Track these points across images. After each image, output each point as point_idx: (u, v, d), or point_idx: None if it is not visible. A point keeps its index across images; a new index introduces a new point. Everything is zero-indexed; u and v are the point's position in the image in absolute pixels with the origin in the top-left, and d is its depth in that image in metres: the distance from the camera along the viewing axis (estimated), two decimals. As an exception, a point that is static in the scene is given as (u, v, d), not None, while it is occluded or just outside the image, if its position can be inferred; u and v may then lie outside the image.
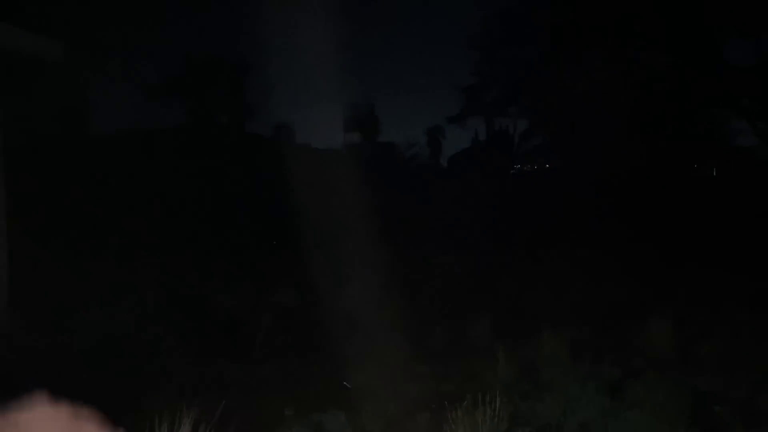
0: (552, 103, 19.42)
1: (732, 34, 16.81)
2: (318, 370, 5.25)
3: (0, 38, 6.27)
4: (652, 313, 5.75)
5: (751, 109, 17.32)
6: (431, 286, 8.09)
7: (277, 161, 19.30)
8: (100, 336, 5.55)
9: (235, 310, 6.59)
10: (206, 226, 13.36)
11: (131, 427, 3.50)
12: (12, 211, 6.52)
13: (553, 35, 17.72)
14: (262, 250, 10.57)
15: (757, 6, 14.96)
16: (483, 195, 19.83)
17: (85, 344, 5.44)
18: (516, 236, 12.08)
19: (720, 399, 4.38)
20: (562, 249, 9.88)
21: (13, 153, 6.88)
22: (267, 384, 4.95)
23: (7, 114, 6.35)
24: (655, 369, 4.82)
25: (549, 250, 10.10)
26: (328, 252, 10.28)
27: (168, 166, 18.18)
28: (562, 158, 24.00)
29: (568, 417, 4.08)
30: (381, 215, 14.94)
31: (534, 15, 18.12)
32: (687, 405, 4.15)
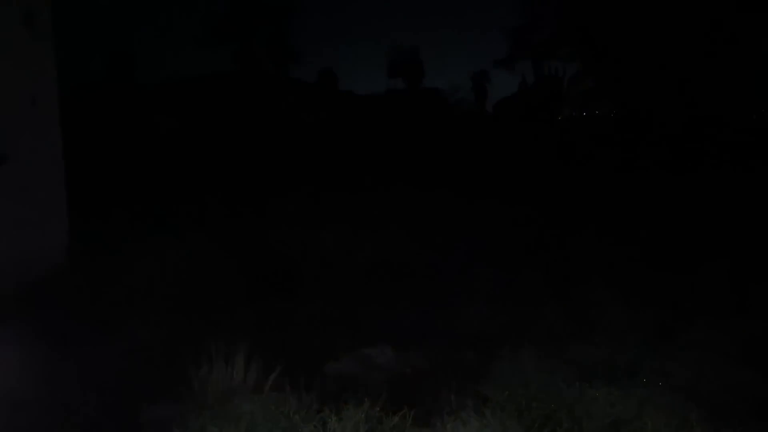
0: (604, 45, 18.62)
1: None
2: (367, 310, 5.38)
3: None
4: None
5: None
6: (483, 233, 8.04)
7: (318, 107, 19.40)
8: (156, 275, 5.80)
9: (288, 250, 6.72)
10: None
11: (194, 361, 3.70)
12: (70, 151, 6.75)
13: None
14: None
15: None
16: (528, 142, 19.44)
17: (142, 283, 5.68)
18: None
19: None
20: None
21: (68, 95, 7.04)
22: (318, 321, 5.11)
23: (59, 59, 6.52)
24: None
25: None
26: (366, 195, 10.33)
27: (213, 111, 18.44)
28: (614, 104, 23.17)
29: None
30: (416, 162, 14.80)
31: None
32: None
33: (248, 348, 3.70)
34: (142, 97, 19.93)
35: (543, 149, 17.76)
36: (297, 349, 4.29)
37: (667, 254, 7.00)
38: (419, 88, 31.68)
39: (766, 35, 16.65)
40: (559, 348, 4.32)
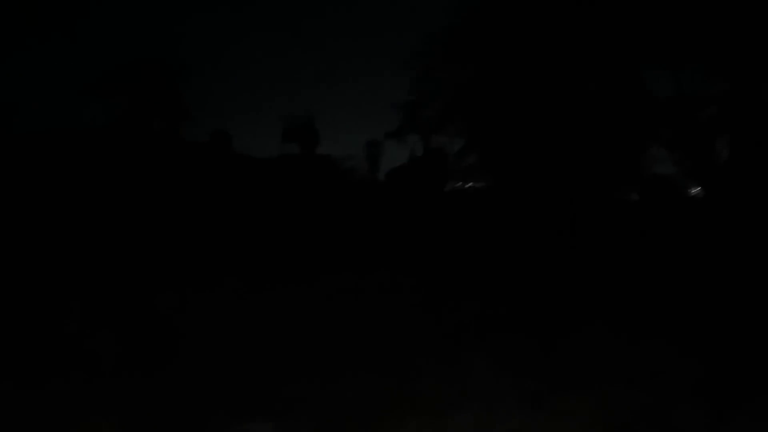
0: (486, 124, 20.02)
1: (655, 66, 17.88)
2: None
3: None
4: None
5: (670, 139, 18.44)
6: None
7: (210, 168, 19.02)
8: None
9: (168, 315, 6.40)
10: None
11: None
12: None
13: (489, 58, 18.32)
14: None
15: (676, 41, 16.04)
16: (416, 210, 20.18)
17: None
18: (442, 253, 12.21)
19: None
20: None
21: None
22: (195, 392, 4.85)
23: None
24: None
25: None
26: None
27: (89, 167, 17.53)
28: (494, 178, 24.67)
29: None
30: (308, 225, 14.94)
31: (469, 37, 18.70)
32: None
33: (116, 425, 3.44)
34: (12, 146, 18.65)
35: (427, 217, 18.47)
36: (169, 423, 4.05)
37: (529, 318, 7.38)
38: (313, 154, 32.00)
39: (635, 124, 18.70)
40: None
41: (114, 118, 23.58)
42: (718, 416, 4.78)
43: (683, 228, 16.80)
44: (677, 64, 17.08)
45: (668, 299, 8.28)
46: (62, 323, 5.66)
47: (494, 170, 23.83)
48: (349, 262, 10.59)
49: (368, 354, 5.90)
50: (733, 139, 17.10)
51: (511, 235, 15.17)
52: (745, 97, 16.52)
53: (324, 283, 8.89)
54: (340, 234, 14.51)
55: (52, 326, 5.70)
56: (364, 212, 19.09)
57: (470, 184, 30.05)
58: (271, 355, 5.72)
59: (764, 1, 14.21)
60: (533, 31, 16.92)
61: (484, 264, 11.21)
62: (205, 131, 28.28)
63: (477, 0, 18.21)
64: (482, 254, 12.46)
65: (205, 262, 9.59)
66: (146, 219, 14.20)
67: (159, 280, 8.04)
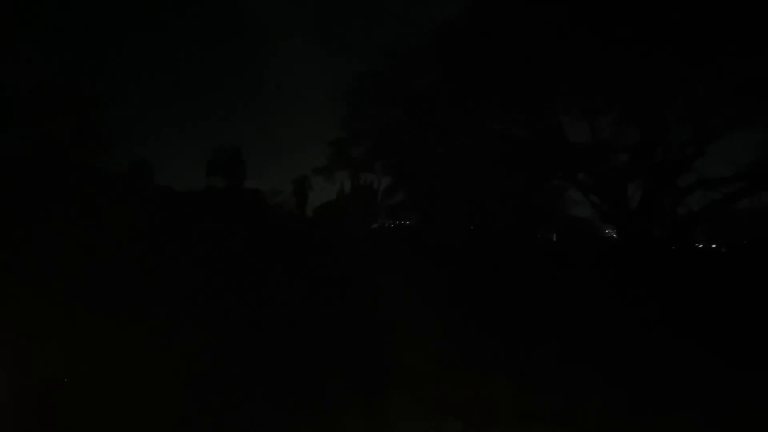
0: (412, 164, 20.40)
1: (572, 113, 18.83)
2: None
3: None
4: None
5: (586, 182, 19.36)
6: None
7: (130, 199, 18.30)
8: None
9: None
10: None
11: None
12: None
13: (417, 100, 18.78)
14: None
15: (592, 92, 16.99)
16: (344, 247, 20.12)
17: None
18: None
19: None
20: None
21: None
22: None
23: None
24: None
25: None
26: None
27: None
28: (420, 216, 25.08)
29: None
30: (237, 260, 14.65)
31: (397, 80, 19.16)
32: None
33: None
34: None
35: (349, 253, 18.46)
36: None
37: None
38: (240, 188, 31.46)
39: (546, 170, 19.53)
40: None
41: (27, 147, 22.42)
42: None
43: (593, 264, 17.55)
44: (592, 113, 18.08)
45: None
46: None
47: (420, 208, 24.27)
48: (275, 297, 10.39)
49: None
50: (644, 184, 18.13)
51: (436, 270, 15.35)
52: (654, 145, 17.64)
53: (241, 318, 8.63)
54: (267, 268, 14.20)
55: None
56: (291, 246, 18.83)
57: (398, 221, 30.40)
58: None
59: (669, 56, 15.28)
60: (457, 76, 17.50)
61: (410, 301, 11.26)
62: (127, 162, 27.35)
63: (405, 45, 18.71)
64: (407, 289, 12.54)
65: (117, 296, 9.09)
66: (61, 249, 13.41)
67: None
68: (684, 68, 15.86)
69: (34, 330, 6.42)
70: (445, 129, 18.38)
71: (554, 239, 24.83)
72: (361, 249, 19.97)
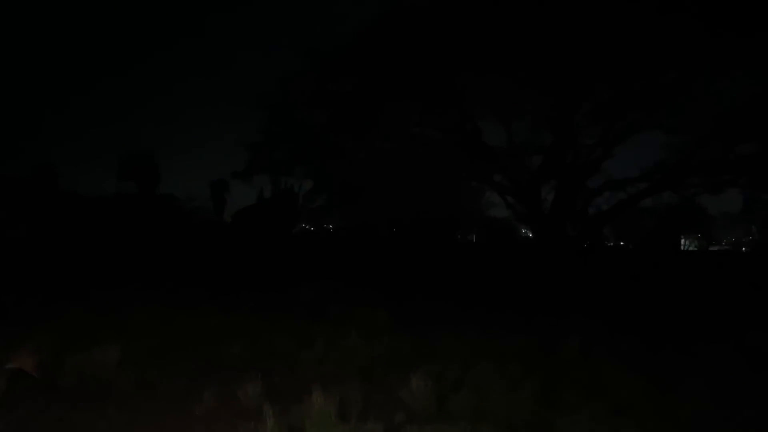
0: (334, 167, 20.33)
1: (488, 117, 19.39)
2: None
3: None
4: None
5: (502, 184, 19.98)
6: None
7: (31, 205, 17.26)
8: None
9: None
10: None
11: None
12: None
13: (337, 104, 18.73)
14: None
15: (507, 97, 17.57)
16: (266, 251, 19.77)
17: None
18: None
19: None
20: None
21: None
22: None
23: None
24: (415, 422, 5.09)
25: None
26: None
27: None
28: (343, 219, 25.08)
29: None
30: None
31: (320, 83, 19.06)
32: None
33: None
34: None
35: (276, 257, 18.19)
36: None
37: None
38: (152, 193, 30.31)
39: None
40: None
41: None
42: None
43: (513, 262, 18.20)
44: (508, 117, 18.71)
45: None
46: None
47: (343, 212, 24.25)
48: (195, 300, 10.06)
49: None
50: (556, 185, 18.92)
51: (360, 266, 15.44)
52: (565, 148, 18.45)
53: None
54: (183, 275, 13.73)
55: None
56: (208, 252, 18.30)
57: (320, 224, 30.19)
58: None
59: (584, 60, 16.05)
60: (376, 79, 17.62)
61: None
62: (29, 167, 25.80)
63: (325, 48, 18.66)
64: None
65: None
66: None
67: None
68: (590, 76, 16.71)
69: None
70: (366, 133, 18.46)
71: (474, 239, 25.44)
72: (282, 252, 19.70)
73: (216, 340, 7.60)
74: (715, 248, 45.78)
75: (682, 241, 38.33)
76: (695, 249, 40.89)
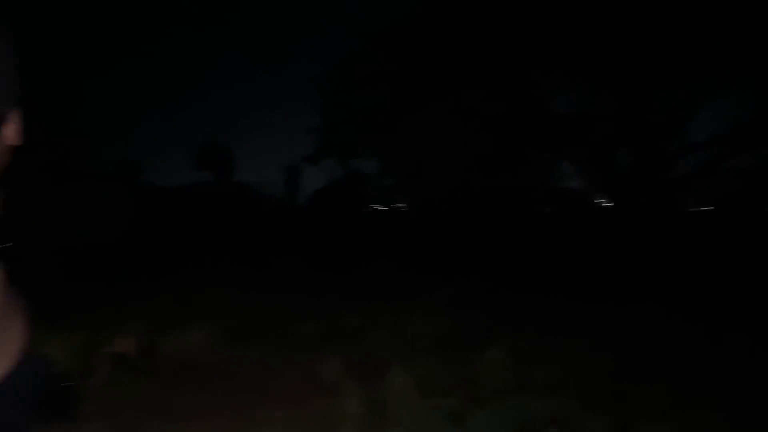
0: (396, 147, 20.33)
1: (556, 85, 18.80)
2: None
3: None
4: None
5: (575, 154, 19.38)
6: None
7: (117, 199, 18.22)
8: None
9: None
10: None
11: None
12: None
13: (395, 82, 18.65)
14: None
15: (574, 62, 16.95)
16: (339, 232, 20.12)
17: None
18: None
19: (556, 421, 4.74)
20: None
21: None
22: None
23: None
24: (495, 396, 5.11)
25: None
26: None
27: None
28: (411, 199, 25.08)
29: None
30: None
31: (376, 63, 19.04)
32: (525, 429, 4.48)
33: None
34: None
35: (353, 238, 18.48)
36: None
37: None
38: (228, 181, 31.41)
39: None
40: None
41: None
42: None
43: (591, 235, 17.70)
44: (576, 83, 18.07)
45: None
46: None
47: (410, 191, 24.24)
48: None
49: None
50: (633, 152, 18.17)
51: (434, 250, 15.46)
52: (639, 112, 17.65)
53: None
54: (259, 258, 14.22)
55: None
56: (280, 236, 18.83)
57: (390, 205, 30.38)
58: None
59: (647, 22, 15.24)
60: (438, 54, 17.41)
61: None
62: (111, 162, 27.15)
63: (382, 26, 18.57)
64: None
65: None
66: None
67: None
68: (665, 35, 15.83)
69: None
70: (427, 109, 18.29)
71: (546, 212, 24.88)
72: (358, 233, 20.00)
73: (291, 321, 7.86)
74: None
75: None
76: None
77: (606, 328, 7.08)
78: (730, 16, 14.77)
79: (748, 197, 22.24)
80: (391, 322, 7.62)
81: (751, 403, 4.90)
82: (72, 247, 11.55)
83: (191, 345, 6.29)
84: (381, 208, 30.34)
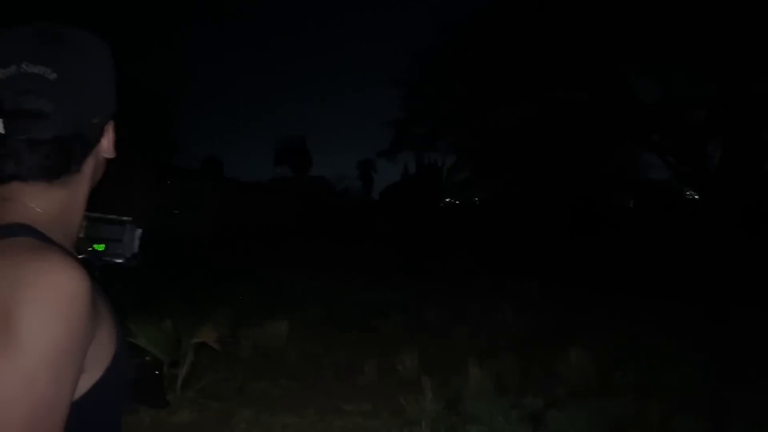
0: (476, 139, 20.04)
1: (643, 74, 17.93)
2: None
3: None
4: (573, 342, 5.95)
5: (661, 144, 18.44)
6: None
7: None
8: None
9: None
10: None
11: None
12: None
13: (476, 74, 18.38)
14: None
15: (663, 48, 16.07)
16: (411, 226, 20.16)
17: None
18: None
19: (636, 424, 4.56)
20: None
21: None
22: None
23: None
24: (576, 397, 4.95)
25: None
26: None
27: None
28: (488, 192, 24.72)
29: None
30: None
31: (456, 54, 18.81)
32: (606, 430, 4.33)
33: None
34: None
35: (424, 233, 18.47)
36: None
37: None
38: (305, 176, 32.14)
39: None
40: None
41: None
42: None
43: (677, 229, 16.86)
44: (664, 69, 17.12)
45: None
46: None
47: (488, 184, 23.87)
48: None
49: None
50: (724, 141, 17.09)
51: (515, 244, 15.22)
52: (733, 100, 16.52)
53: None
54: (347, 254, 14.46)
55: None
56: (357, 230, 19.05)
57: (466, 198, 30.08)
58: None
59: (748, 7, 14.24)
60: (520, 45, 16.99)
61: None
62: (197, 159, 28.32)
63: (462, 19, 18.36)
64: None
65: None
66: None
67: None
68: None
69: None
70: (507, 100, 17.92)
71: (631, 206, 23.86)
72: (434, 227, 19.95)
73: (371, 314, 7.94)
74: None
75: None
76: None
77: (699, 329, 6.72)
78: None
79: None
80: (471, 318, 7.55)
81: None
82: (171, 237, 12.17)
83: (276, 336, 6.48)
84: (458, 201, 30.10)
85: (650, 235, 16.43)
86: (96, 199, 1.00)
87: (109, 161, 0.96)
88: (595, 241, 15.81)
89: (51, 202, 0.87)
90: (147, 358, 1.37)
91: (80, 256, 0.95)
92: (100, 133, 0.91)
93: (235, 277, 10.00)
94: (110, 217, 1.11)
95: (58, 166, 0.85)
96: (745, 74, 16.28)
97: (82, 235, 1.01)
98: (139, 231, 1.13)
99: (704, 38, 15.57)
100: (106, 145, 0.94)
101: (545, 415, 4.53)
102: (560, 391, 5.18)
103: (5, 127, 0.82)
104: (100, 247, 1.09)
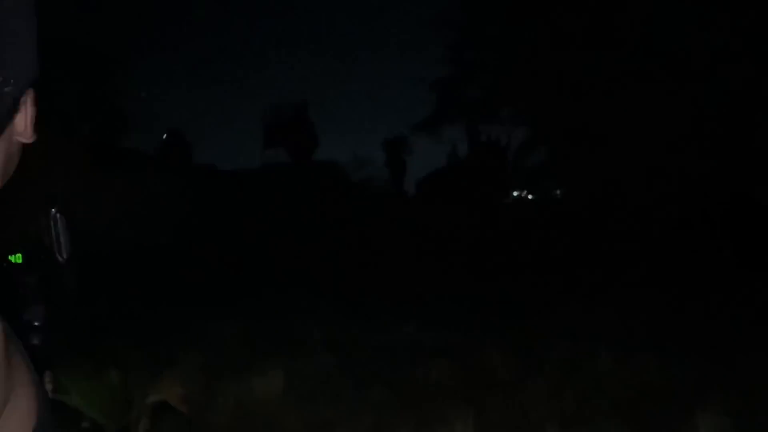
0: (562, 101, 19.66)
1: None
2: None
3: None
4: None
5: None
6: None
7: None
8: None
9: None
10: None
11: None
12: None
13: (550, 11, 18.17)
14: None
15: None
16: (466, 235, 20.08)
17: None
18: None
19: None
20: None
21: None
22: None
23: None
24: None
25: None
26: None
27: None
28: (577, 182, 24.36)
29: None
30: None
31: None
32: None
33: None
34: None
35: (481, 242, 18.42)
36: None
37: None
38: (308, 161, 32.16)
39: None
40: None
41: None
42: None
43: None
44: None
45: None
46: None
47: (578, 170, 23.44)
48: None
49: None
50: None
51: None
52: None
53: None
54: (356, 273, 14.55)
55: None
56: (389, 242, 19.07)
57: (542, 190, 29.87)
58: None
59: None
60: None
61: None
62: (156, 139, 28.77)
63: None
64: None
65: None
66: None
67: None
68: None
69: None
70: (612, 43, 17.61)
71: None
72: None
73: (407, 359, 7.93)
74: None
75: None
76: None
77: None
78: None
79: None
80: (551, 367, 7.50)
81: None
82: (116, 248, 12.36)
83: (266, 393, 6.50)
84: (529, 196, 29.94)
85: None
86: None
87: (26, 147, 0.88)
88: (724, 255, 15.50)
89: None
90: (84, 424, 1.37)
91: None
92: (12, 108, 0.83)
93: (209, 305, 10.10)
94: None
95: None
96: None
97: None
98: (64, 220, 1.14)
99: None
100: (22, 124, 0.87)
101: None
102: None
103: None
104: (17, 259, 1.09)
